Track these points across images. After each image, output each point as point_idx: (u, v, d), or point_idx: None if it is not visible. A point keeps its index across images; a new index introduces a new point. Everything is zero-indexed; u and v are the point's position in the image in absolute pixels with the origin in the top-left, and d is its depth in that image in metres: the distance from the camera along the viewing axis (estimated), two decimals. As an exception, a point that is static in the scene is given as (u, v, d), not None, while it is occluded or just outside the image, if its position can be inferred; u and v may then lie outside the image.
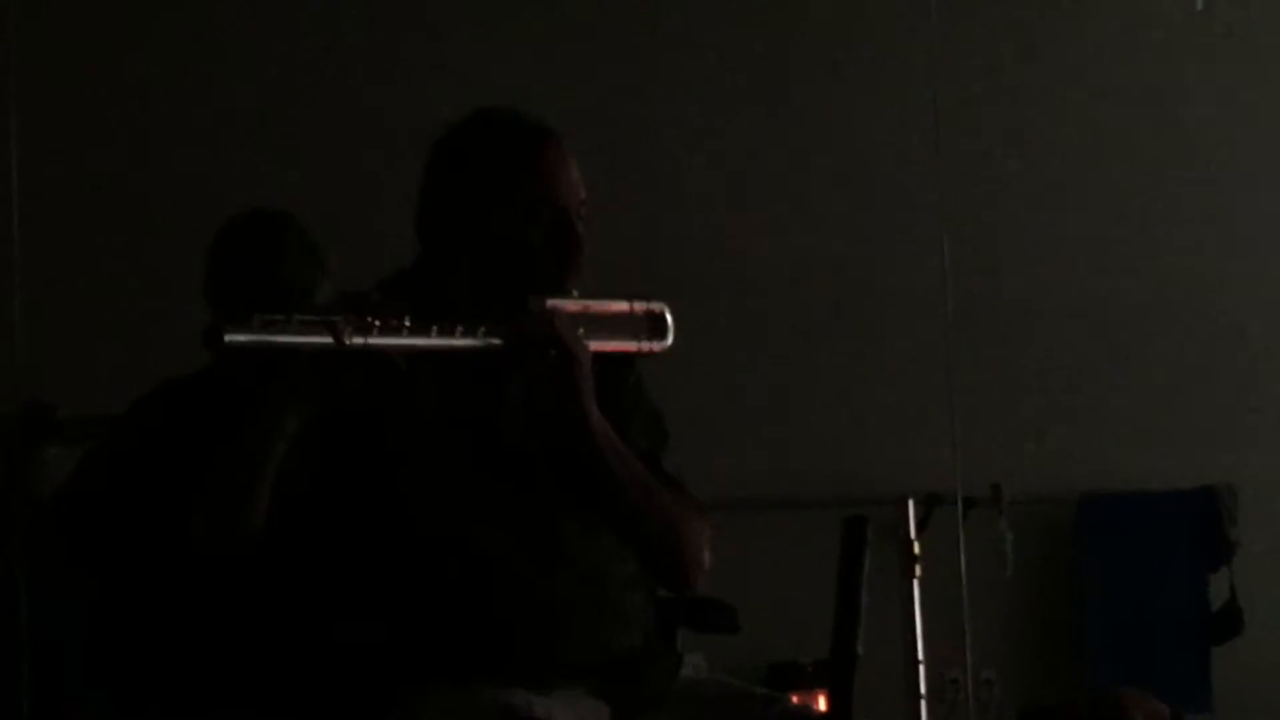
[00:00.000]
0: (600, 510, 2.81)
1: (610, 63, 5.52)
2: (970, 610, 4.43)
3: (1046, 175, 5.89)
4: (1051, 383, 5.80)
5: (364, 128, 5.18)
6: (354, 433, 2.74)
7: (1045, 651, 5.71)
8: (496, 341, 2.70)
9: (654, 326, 2.93)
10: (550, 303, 2.75)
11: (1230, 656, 5.63)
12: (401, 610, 2.75)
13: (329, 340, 2.54)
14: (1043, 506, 5.65)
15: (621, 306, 2.91)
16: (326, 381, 2.62)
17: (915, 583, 4.83)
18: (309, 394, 2.63)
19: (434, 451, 2.77)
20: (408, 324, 2.61)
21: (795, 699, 3.32)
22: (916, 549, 4.89)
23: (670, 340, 2.94)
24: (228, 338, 2.48)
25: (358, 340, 2.56)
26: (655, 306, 2.94)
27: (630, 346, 2.91)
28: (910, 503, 5.04)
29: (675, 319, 2.94)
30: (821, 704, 4.40)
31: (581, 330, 2.76)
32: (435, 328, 2.65)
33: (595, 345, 2.78)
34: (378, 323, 2.58)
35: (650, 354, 2.94)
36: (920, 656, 4.84)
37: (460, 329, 2.67)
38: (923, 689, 4.82)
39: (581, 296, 2.82)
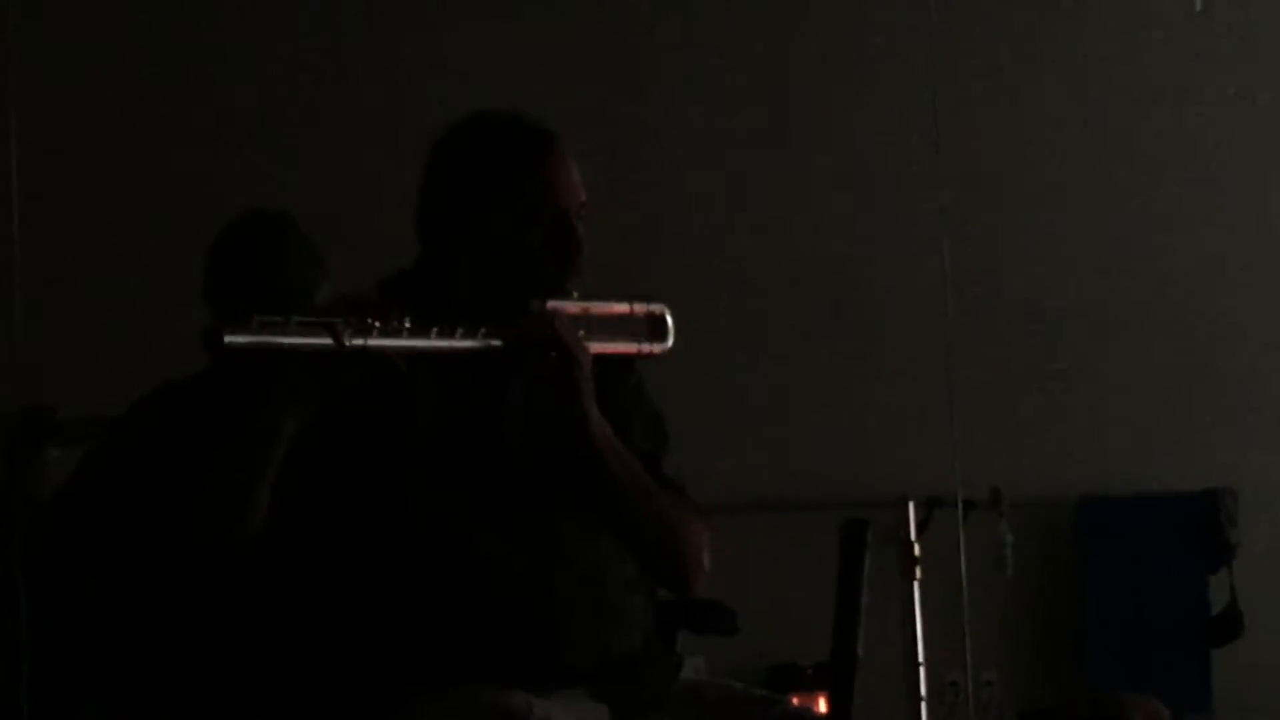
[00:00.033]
0: (600, 512, 2.81)
1: (610, 63, 5.52)
2: (970, 612, 4.43)
3: (1046, 175, 5.89)
4: (1052, 384, 5.79)
5: (364, 128, 5.18)
6: (353, 434, 2.74)
7: (1045, 653, 5.71)
8: (496, 343, 2.70)
9: (654, 328, 2.94)
10: (550, 304, 2.75)
11: (1230, 658, 5.63)
12: (401, 612, 2.75)
13: (328, 342, 2.54)
14: (1043, 508, 5.65)
15: (622, 308, 2.91)
16: (326, 383, 2.62)
17: (915, 584, 4.83)
18: (308, 395, 2.63)
19: (434, 453, 2.77)
20: (407, 325, 2.61)
21: (795, 701, 3.32)
22: (916, 551, 4.88)
23: (670, 342, 2.94)
24: (227, 339, 2.48)
25: (357, 342, 2.56)
26: (655, 308, 2.94)
27: (630, 348, 2.91)
28: (910, 504, 5.03)
29: (675, 320, 2.93)
30: (822, 706, 4.40)
31: (582, 332, 2.76)
32: (435, 329, 2.65)
33: (595, 347, 2.78)
34: (377, 324, 2.58)
35: (650, 355, 2.93)
36: (920, 658, 4.83)
37: (460, 330, 2.67)
38: (923, 691, 4.81)
39: (582, 298, 2.82)
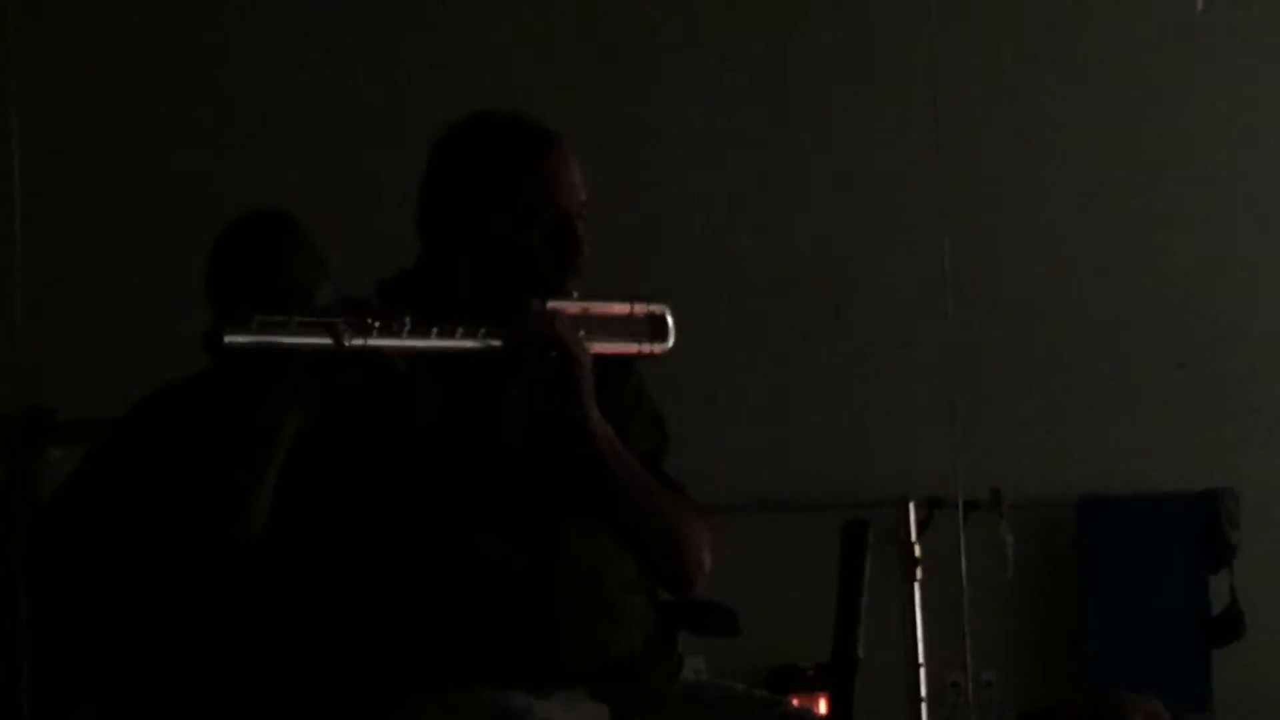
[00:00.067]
0: (600, 512, 2.81)
1: (610, 63, 5.52)
2: (971, 613, 4.43)
3: (1046, 175, 5.89)
4: (1052, 384, 5.80)
5: (364, 128, 5.18)
6: (353, 434, 2.74)
7: (1046, 654, 5.71)
8: (496, 343, 2.70)
9: (655, 328, 2.93)
10: (551, 304, 2.75)
11: (1230, 659, 5.63)
12: (401, 612, 2.75)
13: (328, 342, 2.54)
14: (1043, 509, 5.65)
15: (622, 308, 2.91)
16: (326, 383, 2.62)
17: (916, 585, 4.83)
18: (309, 395, 2.63)
19: (434, 453, 2.77)
20: (407, 326, 2.61)
21: (796, 702, 3.32)
22: (917, 552, 4.88)
23: (671, 342, 2.93)
24: (227, 339, 2.48)
25: (357, 342, 2.56)
26: (656, 308, 2.94)
27: (631, 349, 2.91)
28: (911, 505, 5.03)
29: (675, 320, 2.93)
30: (822, 707, 4.40)
31: (582, 332, 2.76)
32: (435, 329, 2.65)
33: (596, 347, 2.78)
34: (377, 324, 2.58)
35: (651, 356, 2.93)
36: (921, 659, 4.83)
37: (460, 331, 2.67)
38: (923, 691, 4.81)
39: (582, 298, 2.81)
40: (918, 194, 5.17)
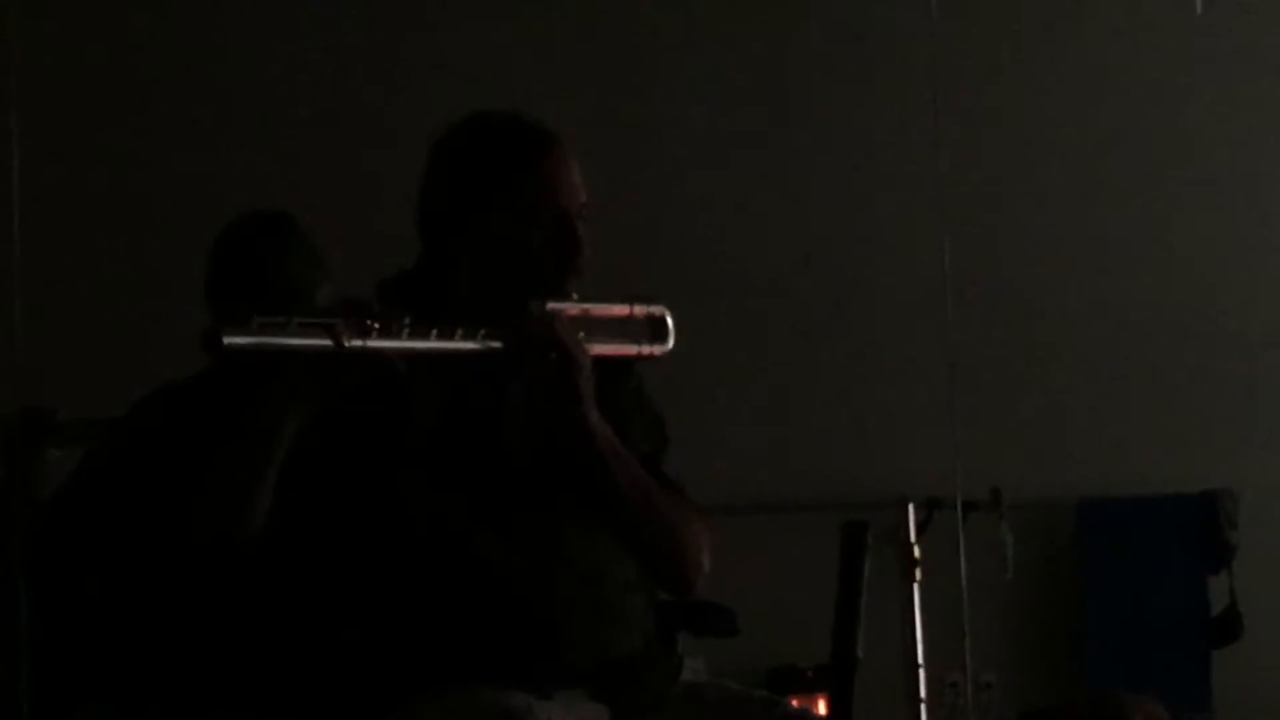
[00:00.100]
0: (600, 513, 2.81)
1: (610, 63, 5.52)
2: (970, 614, 4.43)
3: (1046, 175, 5.89)
4: (1052, 385, 5.79)
5: (364, 128, 5.18)
6: (353, 435, 2.74)
7: (1045, 655, 5.71)
8: (496, 345, 2.70)
9: (655, 330, 2.93)
10: (551, 306, 2.75)
11: (1230, 660, 5.63)
12: (401, 612, 2.75)
13: (328, 343, 2.54)
14: (1043, 510, 5.64)
15: (622, 310, 2.91)
16: (326, 383, 2.62)
17: (915, 586, 4.82)
18: (309, 396, 2.63)
19: (434, 453, 2.77)
20: (407, 327, 2.61)
21: (795, 702, 3.32)
22: (916, 552, 4.87)
23: (671, 344, 2.93)
24: (226, 340, 2.49)
25: (356, 343, 2.56)
26: (656, 310, 2.94)
27: (631, 350, 2.91)
28: (910, 506, 5.03)
29: (675, 320, 2.93)
30: (821, 708, 4.40)
31: (582, 334, 2.76)
32: (434, 330, 2.65)
33: (596, 349, 2.78)
34: (376, 325, 2.58)
35: (651, 358, 2.93)
36: (920, 660, 4.83)
37: (460, 332, 2.68)
38: (922, 692, 4.81)
39: (582, 299, 2.82)
40: (918, 194, 5.17)
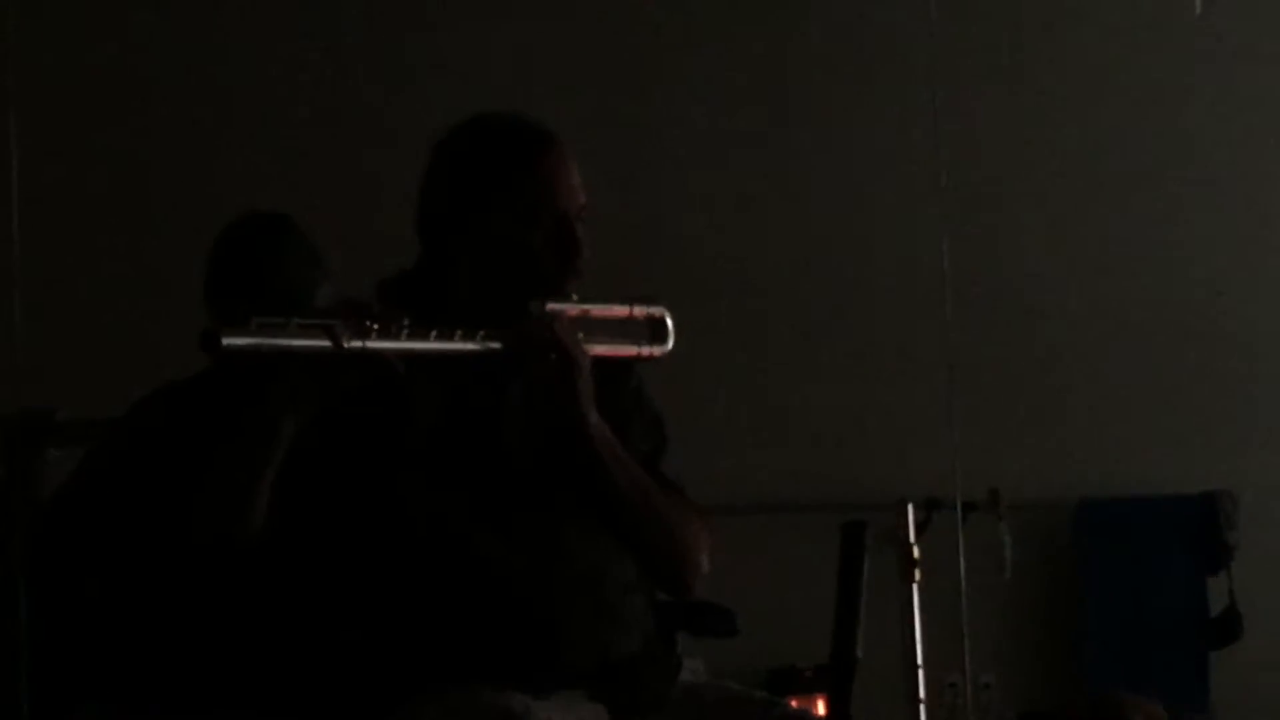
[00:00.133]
0: (599, 514, 2.81)
1: (611, 63, 5.52)
2: (969, 614, 4.42)
3: (1046, 175, 5.89)
4: (1051, 385, 5.79)
5: (364, 128, 5.19)
6: (353, 435, 2.74)
7: (1044, 655, 5.71)
8: (495, 345, 2.70)
9: (654, 331, 2.93)
10: (550, 306, 2.75)
11: (1229, 660, 5.63)
12: (401, 613, 2.75)
13: (327, 344, 2.54)
14: (1042, 510, 5.64)
15: (622, 310, 2.91)
16: (325, 384, 2.62)
17: (914, 587, 4.81)
18: (308, 396, 2.63)
19: (433, 454, 2.77)
20: (406, 327, 2.61)
21: (794, 703, 3.32)
22: (915, 553, 4.86)
23: (670, 345, 2.94)
24: (225, 341, 2.49)
25: (355, 344, 2.56)
26: (655, 311, 2.94)
27: (630, 351, 2.91)
28: (909, 507, 5.02)
29: (675, 321, 2.93)
30: (821, 708, 4.41)
31: (581, 334, 2.77)
32: (434, 331, 2.65)
33: (596, 350, 2.78)
34: (375, 326, 2.58)
35: (650, 359, 2.93)
36: (919, 660, 4.82)
37: (459, 333, 2.68)
38: (921, 693, 4.80)
39: (581, 300, 2.82)
40: (918, 194, 5.17)
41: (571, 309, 2.78)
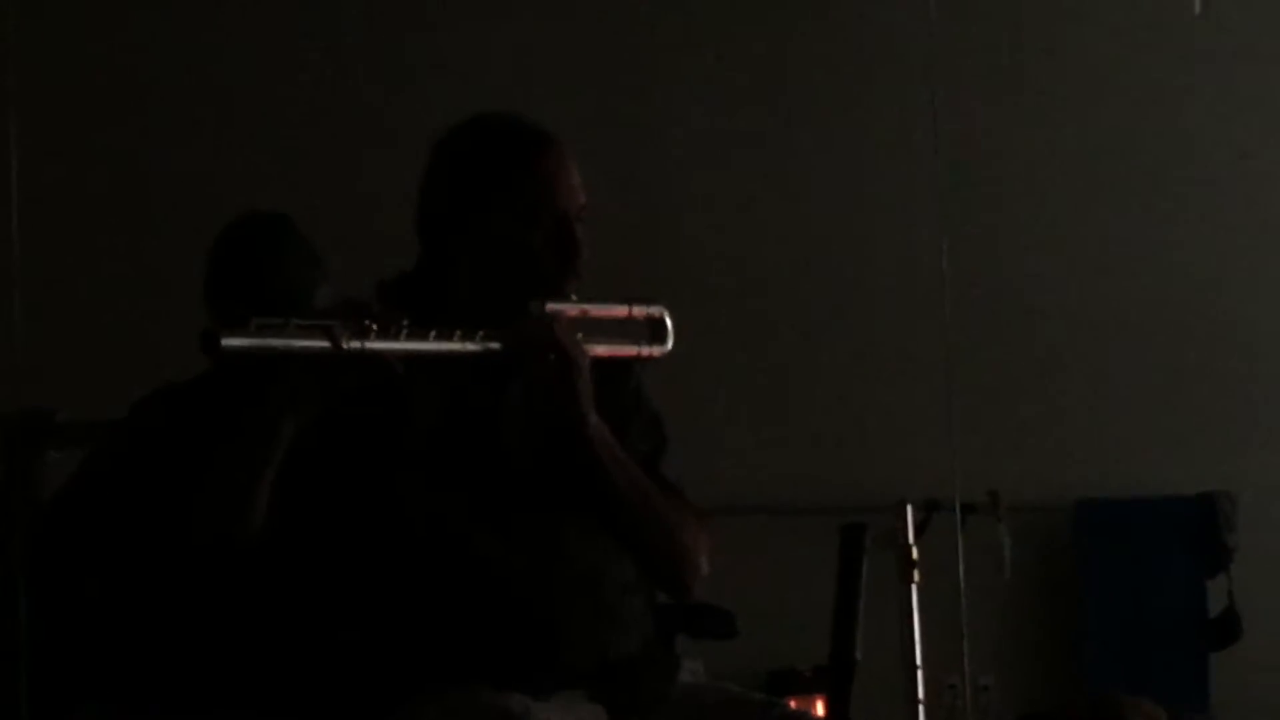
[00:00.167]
0: (599, 515, 2.81)
1: (610, 63, 5.53)
2: (969, 616, 4.42)
3: (1046, 175, 5.89)
4: (1050, 387, 5.79)
5: (364, 128, 5.19)
6: (352, 436, 2.74)
7: (1044, 656, 5.71)
8: (495, 346, 2.70)
9: (654, 331, 2.93)
10: (550, 307, 2.75)
11: (1228, 661, 5.62)
12: (400, 613, 2.75)
13: (326, 345, 2.54)
14: (1041, 511, 5.64)
15: (621, 310, 2.91)
16: (325, 385, 2.62)
17: (913, 588, 4.81)
18: (308, 396, 2.63)
19: (433, 454, 2.77)
20: (405, 328, 2.61)
21: (793, 704, 3.32)
22: (915, 554, 4.86)
23: (670, 344, 2.93)
24: (224, 342, 2.49)
25: (354, 344, 2.56)
26: (655, 311, 2.94)
27: (630, 351, 2.91)
28: (908, 508, 5.02)
29: (675, 321, 2.93)
30: (820, 709, 4.41)
31: (581, 335, 2.77)
32: (433, 332, 2.65)
33: (595, 350, 2.78)
34: (374, 327, 2.58)
35: (650, 359, 2.93)
36: (918, 662, 4.82)
37: (458, 333, 2.67)
38: (921, 694, 4.79)
39: (581, 300, 2.82)
40: (917, 194, 5.17)
41: (571, 309, 2.78)
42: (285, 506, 2.67)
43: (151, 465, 3.28)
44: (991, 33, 5.84)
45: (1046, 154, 5.89)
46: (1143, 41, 5.97)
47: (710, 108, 5.62)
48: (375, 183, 4.73)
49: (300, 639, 2.84)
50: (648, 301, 2.93)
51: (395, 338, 2.60)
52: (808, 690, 5.03)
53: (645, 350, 2.92)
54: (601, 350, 2.81)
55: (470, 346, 2.69)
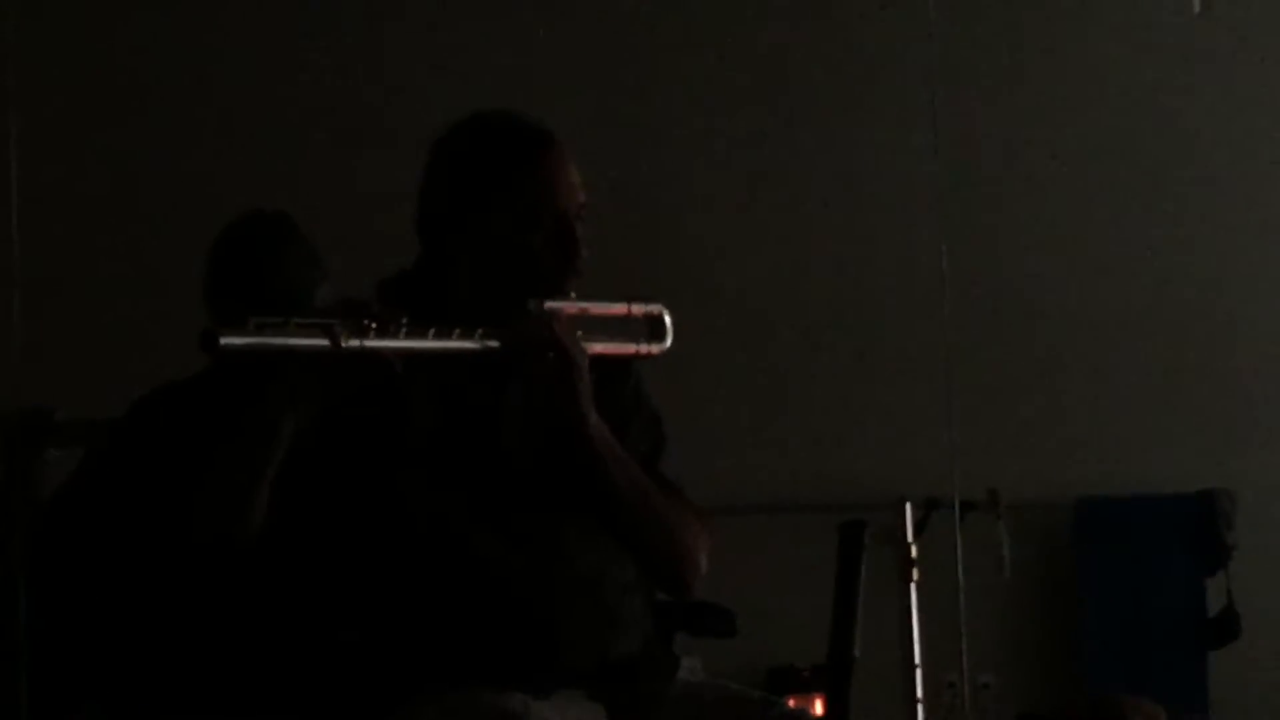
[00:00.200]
0: (598, 514, 2.81)
1: (611, 63, 5.53)
2: (968, 614, 4.43)
3: (1046, 175, 5.89)
4: (1049, 385, 5.79)
5: (364, 128, 5.19)
6: (352, 435, 2.74)
7: (1043, 655, 5.70)
8: (494, 344, 2.70)
9: (653, 329, 2.94)
10: (549, 305, 2.75)
11: (1227, 660, 5.62)
12: (400, 613, 2.75)
13: (325, 343, 2.54)
14: (1040, 510, 5.64)
15: (620, 309, 2.91)
16: (325, 384, 2.62)
17: (913, 586, 4.82)
18: (308, 396, 2.63)
19: (432, 454, 2.77)
20: (404, 327, 2.61)
21: (792, 703, 3.32)
22: (914, 553, 4.87)
23: (669, 342, 2.94)
24: (223, 341, 2.49)
25: (354, 343, 2.56)
26: (654, 309, 2.94)
27: (629, 349, 2.91)
28: (908, 506, 5.03)
29: (674, 321, 2.94)
30: (819, 708, 4.41)
31: (580, 333, 2.77)
32: (432, 330, 2.65)
33: (594, 348, 2.78)
34: (374, 325, 2.58)
35: (649, 356, 2.94)
36: (917, 660, 4.83)
37: (457, 332, 2.68)
38: (920, 693, 4.80)
39: (580, 299, 2.82)
40: (917, 194, 5.17)
41: (570, 307, 2.78)
42: (285, 506, 2.67)
43: (151, 464, 3.28)
44: (991, 33, 5.84)
45: (1046, 154, 5.89)
46: (1143, 41, 5.97)
47: (710, 108, 5.62)
48: (375, 183, 4.72)
49: (300, 639, 2.84)
50: (646, 299, 2.93)
51: (394, 336, 2.60)
52: (807, 688, 5.03)
53: (644, 348, 2.93)
54: (600, 348, 2.82)
55: (469, 345, 2.69)
